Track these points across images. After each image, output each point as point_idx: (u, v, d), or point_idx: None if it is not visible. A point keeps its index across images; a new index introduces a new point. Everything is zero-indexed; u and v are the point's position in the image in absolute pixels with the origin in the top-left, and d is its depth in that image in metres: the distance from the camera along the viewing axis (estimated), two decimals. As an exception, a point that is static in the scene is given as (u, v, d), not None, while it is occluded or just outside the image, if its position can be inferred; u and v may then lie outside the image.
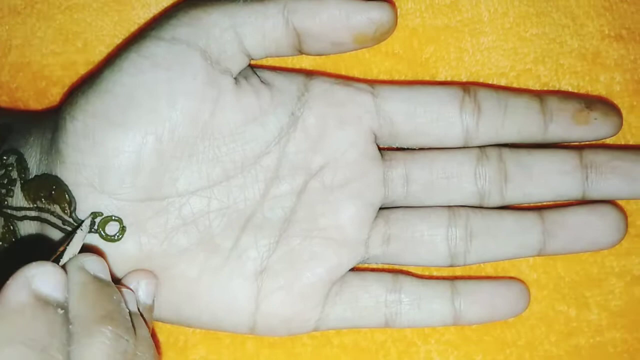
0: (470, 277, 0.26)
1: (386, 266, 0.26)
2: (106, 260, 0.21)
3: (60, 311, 0.18)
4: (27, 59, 0.26)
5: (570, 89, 0.26)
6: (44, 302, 0.18)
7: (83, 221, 0.21)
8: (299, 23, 0.22)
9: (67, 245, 0.20)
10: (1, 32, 0.26)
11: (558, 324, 0.26)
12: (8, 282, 0.18)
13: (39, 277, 0.18)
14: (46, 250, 0.22)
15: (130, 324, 0.19)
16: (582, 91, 0.26)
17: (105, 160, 0.21)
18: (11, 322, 0.17)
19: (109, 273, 0.20)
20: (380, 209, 0.24)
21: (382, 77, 0.26)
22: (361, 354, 0.26)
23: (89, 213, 0.22)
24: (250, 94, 0.23)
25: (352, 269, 0.24)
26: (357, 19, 0.22)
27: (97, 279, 0.19)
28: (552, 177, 0.24)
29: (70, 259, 0.20)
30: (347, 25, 0.22)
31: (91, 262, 0.20)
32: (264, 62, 0.25)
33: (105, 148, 0.21)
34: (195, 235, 0.23)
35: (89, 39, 0.26)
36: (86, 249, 0.22)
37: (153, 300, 0.22)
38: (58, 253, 0.20)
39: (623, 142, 0.26)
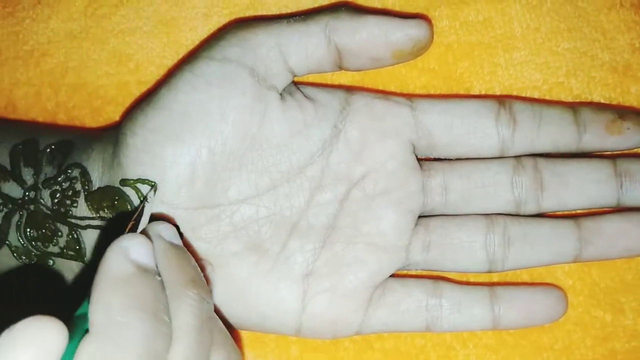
0: (507, 284, 0.26)
1: (425, 272, 0.26)
2: (175, 226, 0.22)
3: (158, 277, 0.19)
4: (83, 80, 0.28)
5: (602, 101, 0.26)
6: (144, 270, 0.18)
7: (147, 193, 0.22)
8: (340, 41, 0.23)
9: (138, 216, 0.21)
10: (58, 55, 0.28)
11: (594, 329, 0.26)
12: (107, 255, 0.18)
13: (134, 248, 0.18)
14: (119, 223, 0.23)
15: (208, 287, 0.20)
16: (614, 103, 0.26)
17: (164, 172, 0.23)
18: (124, 291, 0.17)
19: (180, 239, 0.21)
20: (420, 217, 0.25)
21: (418, 92, 0.27)
22: (402, 358, 0.27)
23: (152, 182, 0.22)
24: (295, 108, 0.24)
25: (393, 275, 0.25)
26: (395, 36, 0.23)
27: (173, 245, 0.20)
28: (587, 186, 0.24)
29: (144, 228, 0.21)
30: (386, 42, 0.23)
31: (165, 230, 0.20)
32: (306, 78, 0.26)
33: (163, 161, 0.22)
34: (246, 241, 0.24)
35: (140, 60, 0.27)
36: (153, 217, 0.22)
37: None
38: (131, 225, 0.21)
39: (655, 152, 0.26)
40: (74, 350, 0.16)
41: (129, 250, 0.18)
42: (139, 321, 0.17)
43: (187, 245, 0.23)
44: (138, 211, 0.21)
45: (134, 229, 0.21)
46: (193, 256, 0.21)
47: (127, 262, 0.18)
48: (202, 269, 0.22)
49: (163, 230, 0.20)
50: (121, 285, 0.18)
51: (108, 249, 0.18)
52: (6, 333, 0.15)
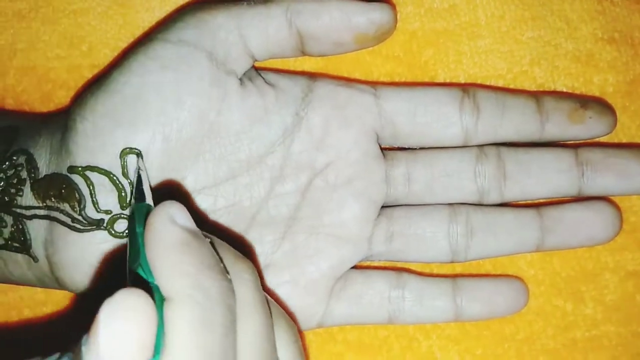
0: (470, 274, 0.26)
1: (388, 264, 0.26)
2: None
3: (207, 239, 0.18)
4: (32, 63, 0.27)
5: (565, 90, 0.26)
6: (195, 233, 0.18)
7: (138, 162, 0.21)
8: (301, 25, 0.22)
9: (137, 185, 0.21)
10: (6, 36, 0.26)
11: (555, 318, 0.27)
12: (156, 223, 0.17)
13: (179, 215, 0.18)
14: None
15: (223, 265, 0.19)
16: (577, 92, 0.26)
17: (115, 160, 0.22)
18: (191, 255, 0.17)
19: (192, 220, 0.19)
20: (383, 207, 0.25)
21: (382, 79, 0.27)
22: (365, 349, 0.27)
23: (138, 154, 0.21)
24: (255, 94, 0.23)
25: (356, 267, 0.25)
26: (358, 19, 0.22)
27: (191, 233, 0.18)
28: (549, 175, 0.24)
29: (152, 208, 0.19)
30: (349, 26, 0.22)
31: (179, 214, 0.18)
32: (268, 64, 0.26)
33: (115, 147, 0.22)
34: None
35: (93, 42, 0.26)
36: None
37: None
38: (137, 195, 0.20)
39: (616, 141, 0.27)
40: (161, 320, 0.16)
41: (175, 217, 0.18)
42: (216, 280, 0.17)
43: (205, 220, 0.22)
44: (136, 181, 0.21)
45: (141, 199, 0.20)
46: (217, 228, 0.20)
47: (179, 228, 0.17)
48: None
49: (177, 214, 0.18)
50: (186, 250, 0.17)
51: (154, 218, 0.18)
52: (109, 303, 0.15)
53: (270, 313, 0.19)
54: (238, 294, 0.18)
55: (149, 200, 0.20)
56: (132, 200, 0.20)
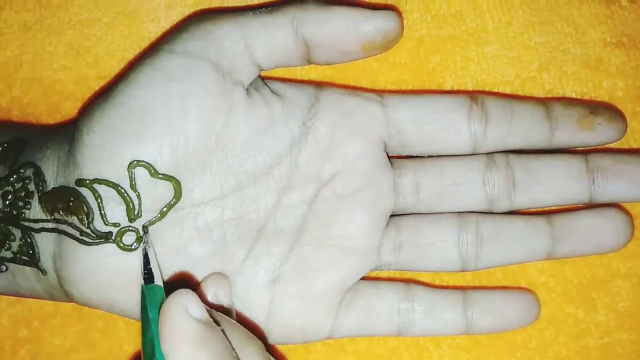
0: (481, 284, 0.26)
1: (397, 273, 0.26)
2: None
3: (220, 327, 0.19)
4: (39, 74, 0.27)
5: (574, 96, 0.26)
6: (209, 324, 0.18)
7: (144, 239, 0.22)
8: (307, 33, 0.22)
9: (146, 264, 0.21)
10: (12, 47, 0.27)
11: (567, 326, 0.27)
12: (172, 319, 0.18)
13: (193, 306, 0.18)
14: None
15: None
16: (586, 97, 0.26)
17: (122, 172, 0.22)
18: (206, 350, 0.18)
19: (204, 309, 0.19)
20: (391, 216, 0.25)
21: (389, 87, 0.26)
22: None
23: (142, 227, 0.22)
24: (261, 104, 0.23)
25: (365, 278, 0.25)
26: (364, 28, 0.22)
27: (206, 326, 0.19)
28: (559, 182, 0.24)
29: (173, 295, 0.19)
30: (355, 34, 0.22)
31: (193, 305, 0.19)
32: (274, 74, 0.25)
33: (122, 160, 0.21)
34: (210, 245, 0.23)
35: (99, 53, 0.26)
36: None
37: (232, 301, 0.22)
38: (146, 274, 0.21)
39: (626, 147, 0.26)
40: None
41: (189, 308, 0.18)
42: None
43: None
44: (144, 260, 0.21)
45: (150, 279, 0.21)
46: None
47: (194, 321, 0.18)
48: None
49: (191, 305, 0.19)
50: (201, 345, 0.18)
51: (169, 310, 0.18)
52: None
53: None
54: None
55: (158, 279, 0.21)
56: (142, 280, 0.21)
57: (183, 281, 0.23)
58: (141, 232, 0.22)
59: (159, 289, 0.21)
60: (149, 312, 0.19)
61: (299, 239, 0.24)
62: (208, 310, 0.19)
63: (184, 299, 0.18)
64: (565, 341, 0.27)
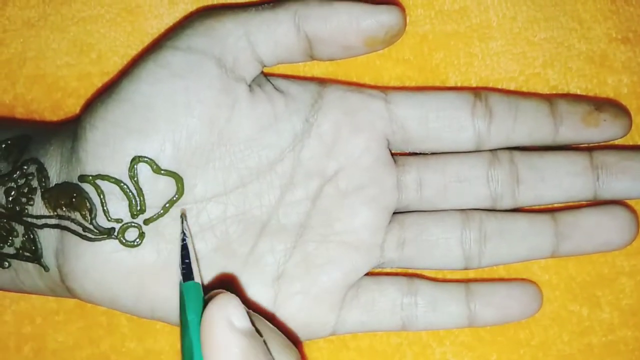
0: (483, 280, 0.26)
1: (400, 270, 0.26)
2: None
3: (261, 337, 0.18)
4: (42, 71, 0.27)
5: (578, 92, 0.26)
6: (251, 334, 0.18)
7: (182, 228, 0.21)
8: (310, 29, 0.22)
9: (185, 260, 0.20)
10: (16, 44, 0.27)
11: (570, 324, 0.26)
12: (215, 332, 0.17)
13: (237, 316, 0.18)
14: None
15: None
16: (591, 94, 0.26)
17: (125, 168, 0.22)
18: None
19: (247, 317, 0.18)
20: (395, 213, 0.25)
21: (393, 83, 0.26)
22: (377, 356, 0.26)
23: (181, 215, 0.22)
24: (264, 101, 0.23)
25: (368, 274, 0.25)
26: (367, 22, 0.22)
27: (251, 338, 0.18)
28: (563, 179, 0.24)
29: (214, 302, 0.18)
30: (358, 29, 0.22)
31: (237, 315, 0.18)
32: (277, 71, 0.25)
33: (125, 155, 0.21)
34: (213, 242, 0.23)
35: (103, 50, 0.26)
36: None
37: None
38: (184, 271, 0.20)
39: (631, 143, 0.26)
40: None
41: (232, 319, 0.17)
42: None
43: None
44: (183, 256, 0.20)
45: (188, 275, 0.20)
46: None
47: (238, 334, 0.17)
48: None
49: (234, 316, 0.18)
50: (245, 358, 0.17)
51: (212, 321, 0.17)
52: None
53: None
54: None
55: (196, 274, 0.20)
56: (180, 276, 0.20)
57: (222, 280, 0.22)
58: (181, 223, 0.21)
59: (198, 287, 0.19)
60: (187, 314, 0.18)
61: (302, 235, 0.24)
62: (250, 315, 0.18)
63: (228, 306, 0.18)
64: (569, 339, 0.26)
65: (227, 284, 0.22)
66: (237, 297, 0.18)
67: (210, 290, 0.19)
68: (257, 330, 0.19)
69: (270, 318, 0.23)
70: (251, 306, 0.22)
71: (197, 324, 0.18)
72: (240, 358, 0.17)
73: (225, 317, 0.17)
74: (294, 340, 0.23)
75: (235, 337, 0.17)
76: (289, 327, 0.23)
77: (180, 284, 0.20)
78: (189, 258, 0.20)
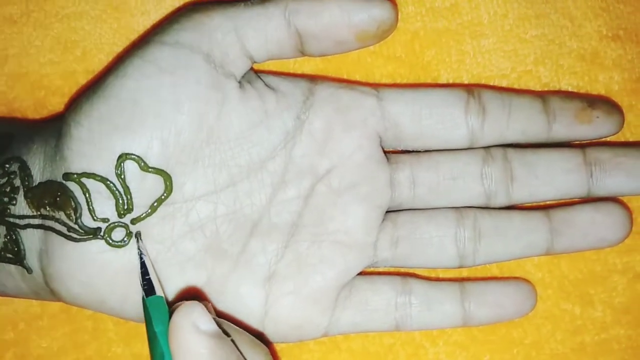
0: (477, 278, 0.26)
1: (394, 270, 0.26)
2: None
3: (230, 337, 0.19)
4: (25, 69, 0.26)
5: (570, 89, 0.26)
6: (219, 336, 0.18)
7: (139, 246, 0.22)
8: (300, 24, 0.22)
9: (143, 273, 0.21)
10: (-3, 42, 0.26)
11: (563, 322, 0.26)
12: (182, 337, 0.18)
13: (202, 320, 0.18)
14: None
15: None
16: (582, 91, 0.26)
17: (111, 166, 0.21)
18: None
19: (213, 321, 0.19)
20: (388, 211, 0.24)
21: (384, 80, 0.26)
22: (370, 358, 0.26)
23: (135, 234, 0.22)
24: (255, 97, 0.23)
25: (361, 273, 0.24)
26: (358, 17, 0.22)
27: (216, 340, 0.19)
28: (557, 176, 0.24)
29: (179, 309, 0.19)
30: (349, 23, 0.22)
31: (201, 318, 0.19)
32: (267, 68, 0.25)
33: (111, 153, 0.21)
34: (203, 242, 0.22)
35: (87, 47, 0.26)
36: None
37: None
38: (145, 284, 0.21)
39: (623, 140, 0.26)
40: None
41: (197, 323, 0.18)
42: None
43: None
44: (141, 269, 0.21)
45: (150, 290, 0.20)
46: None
47: (205, 336, 0.18)
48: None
49: (199, 320, 0.18)
50: (214, 357, 0.18)
51: (178, 326, 0.18)
52: None
53: None
54: None
55: (158, 288, 0.21)
56: (142, 292, 0.21)
57: (188, 293, 0.23)
58: (135, 239, 0.22)
59: (161, 300, 0.20)
60: (155, 326, 0.19)
61: (294, 234, 0.23)
62: (216, 320, 0.19)
63: (192, 312, 0.18)
64: (562, 337, 0.26)
65: (193, 296, 0.23)
66: (201, 304, 0.19)
67: (175, 303, 0.20)
68: (225, 332, 0.19)
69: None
70: (219, 314, 0.23)
71: (165, 333, 0.19)
72: (209, 358, 0.18)
73: (190, 322, 0.18)
74: (264, 340, 0.23)
75: (203, 339, 0.18)
76: (257, 329, 0.23)
77: (143, 299, 0.20)
78: (148, 274, 0.21)
